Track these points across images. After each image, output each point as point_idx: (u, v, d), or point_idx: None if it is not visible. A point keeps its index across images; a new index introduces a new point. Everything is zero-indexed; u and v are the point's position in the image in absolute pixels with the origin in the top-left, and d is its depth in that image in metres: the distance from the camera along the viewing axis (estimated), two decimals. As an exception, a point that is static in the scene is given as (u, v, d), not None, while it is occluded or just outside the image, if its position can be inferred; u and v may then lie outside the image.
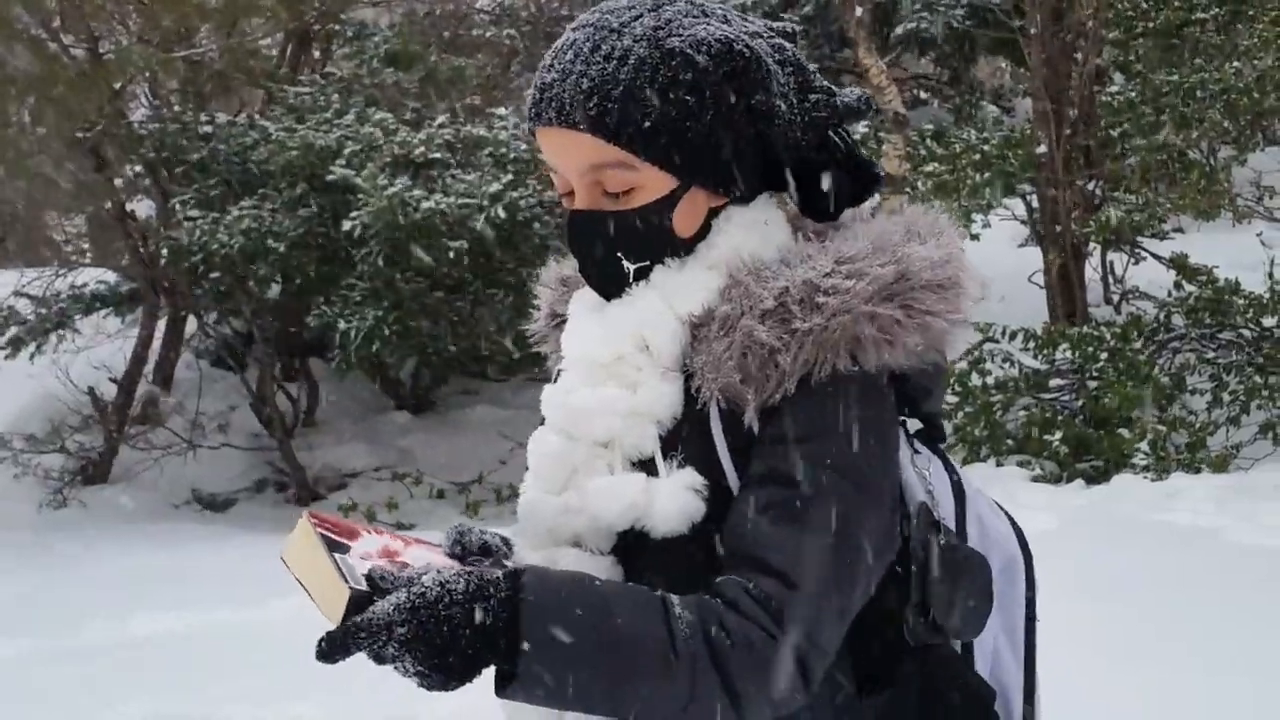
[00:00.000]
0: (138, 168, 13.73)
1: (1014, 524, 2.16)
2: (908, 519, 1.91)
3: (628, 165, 1.88)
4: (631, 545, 1.88)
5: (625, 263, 1.92)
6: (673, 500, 1.83)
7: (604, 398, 1.90)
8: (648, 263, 1.93)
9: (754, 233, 1.94)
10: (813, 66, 2.02)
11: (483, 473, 13.03)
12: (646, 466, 1.88)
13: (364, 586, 1.66)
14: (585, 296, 2.02)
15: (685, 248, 1.94)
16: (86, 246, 14.83)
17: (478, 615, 1.62)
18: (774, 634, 1.71)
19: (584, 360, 1.94)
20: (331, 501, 13.04)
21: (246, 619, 7.87)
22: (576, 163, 1.90)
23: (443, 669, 1.62)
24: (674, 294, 1.91)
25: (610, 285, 1.95)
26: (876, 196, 2.05)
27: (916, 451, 2.01)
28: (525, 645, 1.62)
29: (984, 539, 2.05)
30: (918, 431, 2.06)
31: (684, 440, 1.87)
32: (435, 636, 1.60)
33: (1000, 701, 2.04)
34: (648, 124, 1.86)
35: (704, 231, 1.94)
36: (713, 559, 1.83)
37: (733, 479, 1.84)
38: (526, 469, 2.00)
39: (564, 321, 2.08)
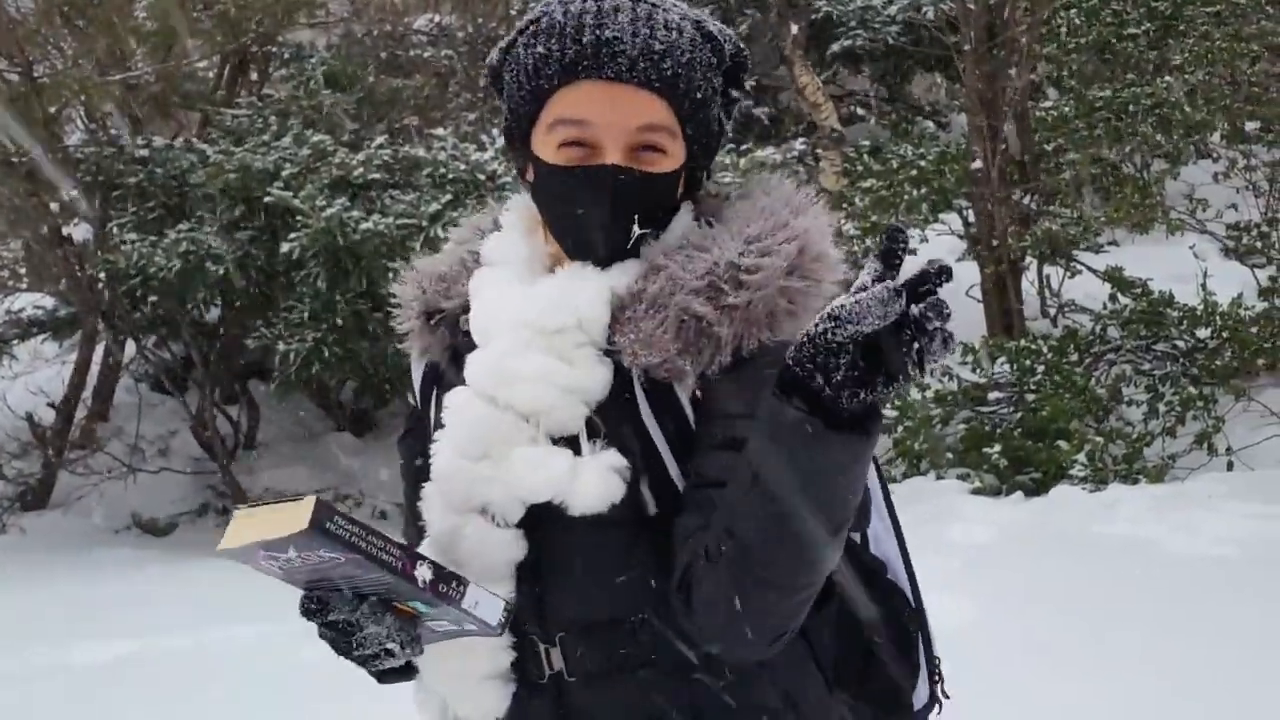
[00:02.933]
0: (74, 191, 13.62)
1: None
2: None
3: (672, 132, 1.97)
4: (540, 520, 1.92)
5: (636, 226, 1.97)
6: (597, 479, 1.87)
7: (542, 366, 1.92)
8: (650, 229, 1.99)
9: (686, 228, 2.03)
10: None
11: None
12: (568, 443, 1.92)
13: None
14: (493, 275, 2.06)
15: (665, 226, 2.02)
16: (23, 271, 14.68)
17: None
18: None
19: (524, 328, 1.96)
20: (273, 524, 12.97)
21: (188, 644, 7.83)
22: (634, 119, 1.95)
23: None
24: (608, 276, 1.96)
25: (611, 245, 1.98)
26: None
27: None
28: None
29: None
30: None
31: (609, 420, 1.92)
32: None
33: (890, 573, 2.19)
34: (698, 95, 1.97)
35: None
36: (622, 538, 1.90)
37: (669, 461, 1.91)
38: (440, 427, 2.02)
39: (444, 318, 2.13)
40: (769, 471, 1.70)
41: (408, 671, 2.02)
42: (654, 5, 1.98)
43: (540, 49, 1.97)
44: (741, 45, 2.06)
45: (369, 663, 1.89)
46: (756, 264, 1.90)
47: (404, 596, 1.80)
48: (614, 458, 1.89)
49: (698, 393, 1.91)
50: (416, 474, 2.14)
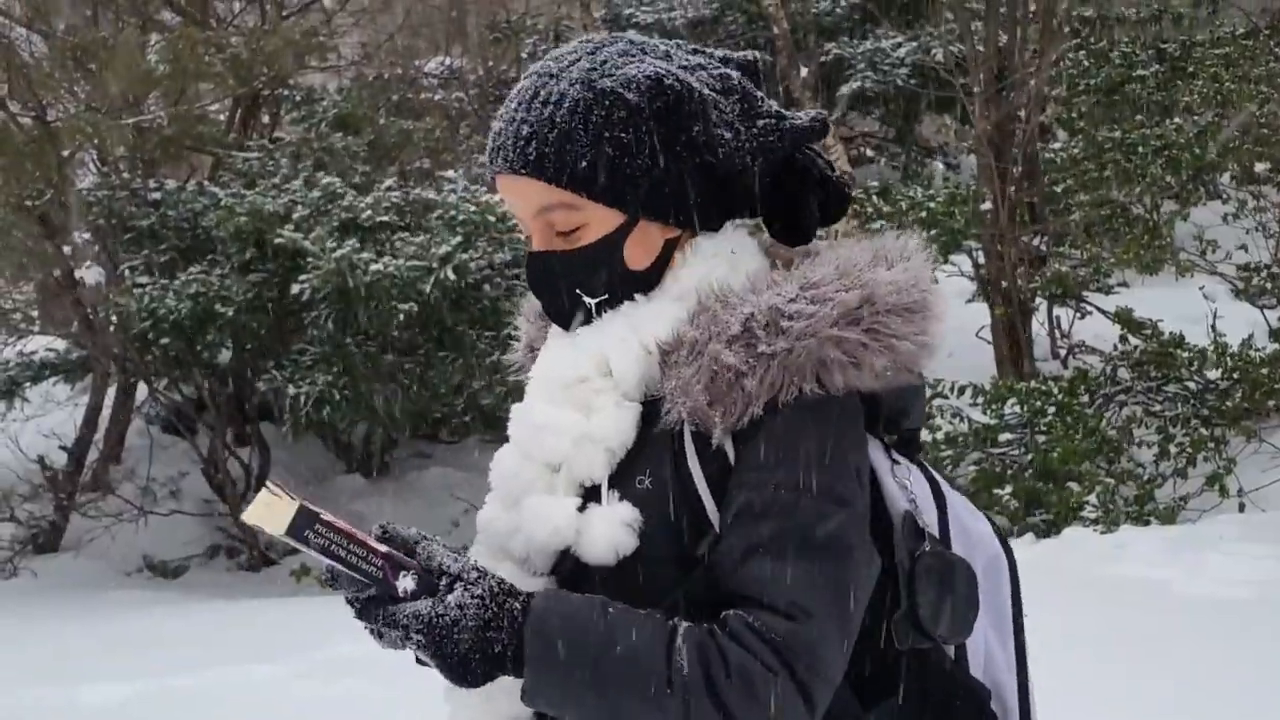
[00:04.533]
0: (86, 234, 13.67)
1: (993, 524, 2.20)
2: (891, 529, 1.95)
3: (571, 206, 1.94)
4: (567, 571, 1.92)
5: (585, 299, 1.98)
6: (603, 531, 1.87)
7: (557, 418, 1.94)
8: (607, 297, 1.98)
9: (721, 261, 1.98)
10: (761, 93, 2.07)
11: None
12: (594, 493, 1.92)
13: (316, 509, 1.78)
14: (554, 328, 2.08)
15: (644, 281, 1.99)
16: (35, 314, 14.73)
17: (490, 644, 1.76)
18: (774, 669, 1.75)
19: (547, 380, 1.99)
20: (284, 566, 12.97)
21: (195, 684, 7.82)
22: (527, 206, 1.97)
23: (458, 677, 1.77)
24: (641, 321, 1.95)
25: (573, 322, 2.01)
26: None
27: (895, 462, 2.04)
28: (527, 671, 1.76)
29: (967, 541, 2.08)
30: (893, 443, 2.08)
31: (654, 466, 1.90)
32: (448, 655, 1.75)
33: (996, 699, 2.07)
34: (584, 164, 1.92)
35: (664, 262, 2.00)
36: (654, 583, 1.87)
37: (710, 505, 1.87)
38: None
39: (535, 355, 2.13)
40: None
41: None
42: (549, 78, 1.97)
43: None
44: (664, 82, 1.94)
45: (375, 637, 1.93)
46: (801, 310, 1.85)
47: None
48: (625, 510, 1.88)
49: (726, 448, 1.87)
50: None
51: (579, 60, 1.97)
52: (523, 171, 1.94)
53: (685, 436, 1.89)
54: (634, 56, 1.99)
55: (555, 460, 1.93)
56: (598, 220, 1.95)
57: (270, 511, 1.77)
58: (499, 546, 1.97)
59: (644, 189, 1.95)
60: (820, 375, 1.83)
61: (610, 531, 1.86)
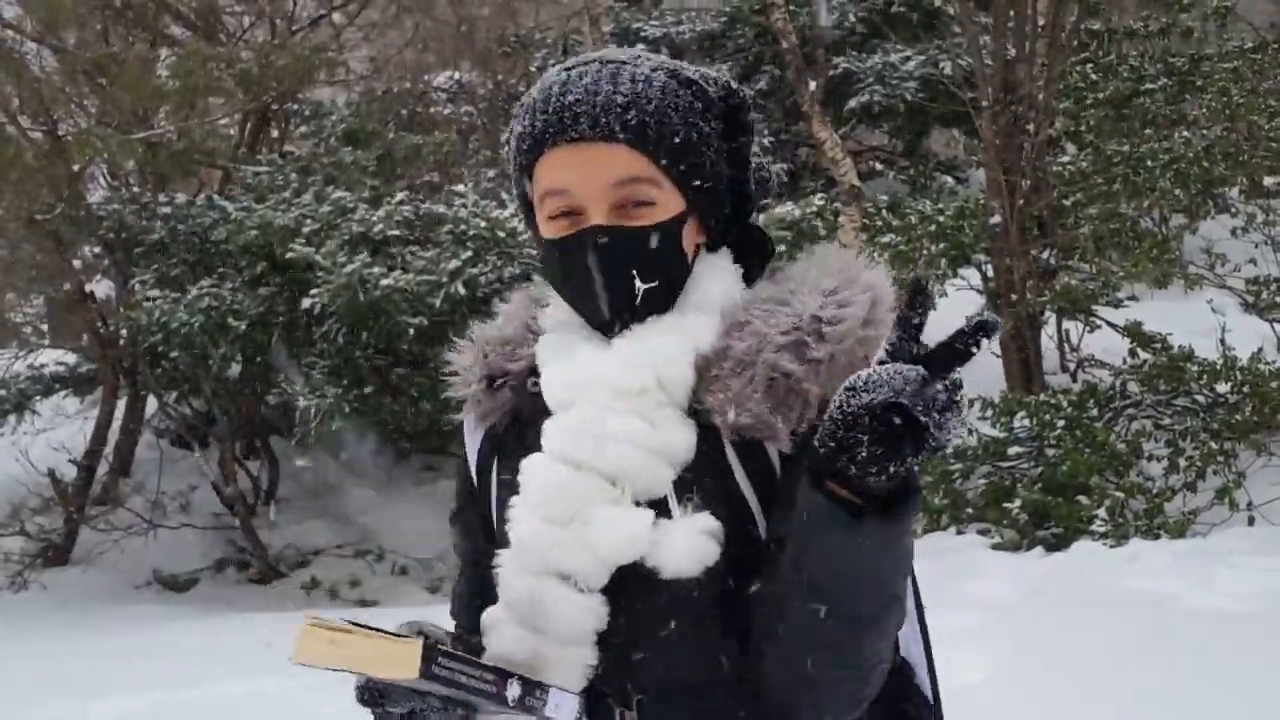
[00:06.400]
0: (97, 249, 13.71)
1: None
2: None
3: (654, 182, 1.95)
4: (625, 583, 1.90)
5: (638, 281, 1.95)
6: (689, 542, 1.85)
7: (626, 428, 1.90)
8: (656, 284, 1.96)
9: (729, 278, 2.02)
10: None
11: (445, 549, 12.97)
12: (657, 507, 1.90)
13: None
14: (560, 339, 2.04)
15: (684, 277, 2.00)
16: (45, 327, 14.77)
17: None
18: None
19: (604, 389, 1.93)
20: (294, 579, 12.99)
21: (207, 697, 7.83)
22: (607, 175, 1.94)
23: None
24: (690, 333, 1.95)
25: (616, 307, 1.97)
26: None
27: None
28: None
29: None
30: None
31: (698, 483, 1.90)
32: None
33: (916, 677, 2.12)
34: (677, 140, 1.95)
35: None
36: (710, 600, 1.87)
37: (759, 519, 1.90)
38: (515, 494, 1.98)
39: (505, 383, 2.12)
40: (806, 561, 1.74)
41: None
42: (623, 63, 1.99)
43: (519, 127, 2.01)
44: (734, 85, 2.06)
45: None
46: (837, 315, 1.90)
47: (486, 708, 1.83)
48: (706, 520, 1.86)
49: (782, 450, 1.89)
50: (476, 552, 2.12)
51: (639, 58, 2.02)
52: (620, 137, 1.93)
53: (729, 453, 1.91)
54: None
55: (621, 472, 1.90)
56: (664, 202, 1.96)
57: (374, 654, 1.71)
58: (542, 564, 1.91)
59: (706, 182, 1.99)
60: None
61: (695, 541, 1.85)
